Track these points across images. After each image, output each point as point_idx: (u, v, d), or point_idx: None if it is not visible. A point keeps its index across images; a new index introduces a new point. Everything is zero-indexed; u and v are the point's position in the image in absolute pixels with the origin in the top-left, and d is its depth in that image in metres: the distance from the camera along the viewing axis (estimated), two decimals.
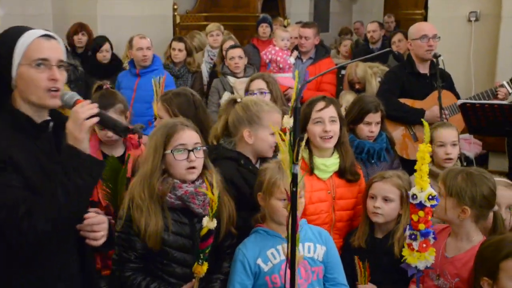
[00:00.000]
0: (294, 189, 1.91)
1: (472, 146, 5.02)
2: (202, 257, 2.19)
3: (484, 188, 2.35)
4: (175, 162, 2.36)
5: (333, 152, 2.87)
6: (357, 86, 5.19)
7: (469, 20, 5.38)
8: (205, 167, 2.46)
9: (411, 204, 2.19)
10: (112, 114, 3.01)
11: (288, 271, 2.16)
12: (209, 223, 2.15)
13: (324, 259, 2.50)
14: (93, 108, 1.84)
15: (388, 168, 3.24)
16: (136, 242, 2.34)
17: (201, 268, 2.21)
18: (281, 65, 5.45)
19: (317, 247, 2.49)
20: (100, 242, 1.94)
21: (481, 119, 3.66)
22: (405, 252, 2.25)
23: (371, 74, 5.06)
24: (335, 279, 2.53)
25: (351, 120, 3.33)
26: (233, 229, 2.52)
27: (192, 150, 2.37)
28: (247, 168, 2.74)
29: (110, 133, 3.01)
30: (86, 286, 2.03)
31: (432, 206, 2.17)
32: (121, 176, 2.87)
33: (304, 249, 2.43)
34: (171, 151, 2.36)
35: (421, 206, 2.16)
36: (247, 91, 3.75)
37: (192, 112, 3.06)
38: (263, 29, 6.66)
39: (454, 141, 3.25)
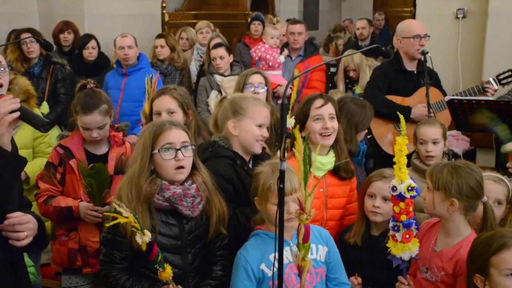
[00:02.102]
0: (281, 185, 1.91)
1: (460, 143, 5.04)
2: (158, 266, 2.16)
3: (470, 179, 2.36)
4: (163, 162, 2.34)
5: (329, 151, 2.87)
6: (351, 74, 5.24)
7: (457, 17, 5.40)
8: (194, 167, 2.44)
9: (392, 196, 2.23)
10: (97, 116, 2.99)
11: (295, 278, 2.18)
12: (142, 238, 2.10)
13: (326, 260, 2.48)
14: (15, 103, 1.83)
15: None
16: (122, 243, 2.31)
17: (165, 273, 2.17)
18: (270, 63, 5.44)
19: (319, 248, 2.46)
20: (24, 242, 1.88)
21: (468, 115, 3.68)
22: (390, 243, 2.27)
23: (366, 64, 5.12)
24: (337, 279, 2.51)
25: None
26: (223, 230, 2.50)
27: (180, 149, 2.35)
28: (243, 169, 2.73)
29: (94, 134, 3.00)
30: (16, 281, 2.00)
31: (412, 197, 2.20)
32: (103, 174, 2.86)
33: None
34: (159, 150, 2.34)
35: (401, 197, 2.20)
36: (245, 84, 3.73)
37: (194, 107, 3.13)
38: (255, 27, 6.66)
39: (436, 139, 3.27)
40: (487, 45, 5.17)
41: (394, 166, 2.21)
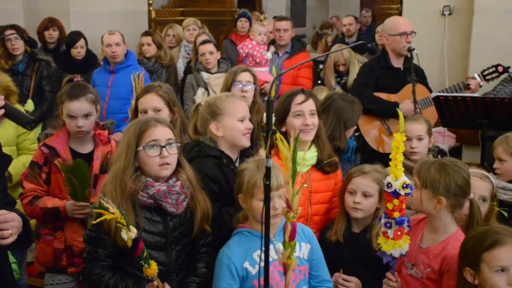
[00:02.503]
0: (268, 182, 1.91)
1: (446, 139, 5.08)
2: (144, 262, 2.15)
3: (458, 177, 2.38)
4: (147, 159, 2.33)
5: (310, 146, 2.88)
6: (341, 68, 5.25)
7: (443, 14, 5.42)
8: (179, 164, 2.43)
9: (386, 192, 2.22)
10: (83, 102, 2.97)
11: (278, 275, 2.17)
12: (128, 234, 2.09)
13: (309, 257, 2.48)
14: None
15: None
16: (106, 240, 2.29)
17: (150, 269, 2.17)
18: (257, 60, 5.44)
19: (302, 245, 2.46)
20: (9, 240, 1.87)
21: (454, 111, 3.72)
22: (380, 240, 2.27)
23: (355, 57, 5.16)
24: (320, 276, 2.52)
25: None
26: (207, 227, 2.49)
27: (165, 146, 2.34)
28: (229, 168, 2.73)
29: (80, 122, 2.96)
30: (1, 279, 2.00)
31: (406, 194, 2.20)
32: (82, 169, 2.84)
33: None
34: (143, 147, 2.33)
35: (395, 194, 2.19)
36: (233, 81, 3.71)
37: (179, 105, 3.12)
38: (242, 24, 6.64)
39: (420, 135, 3.28)
40: (472, 42, 5.21)
41: (390, 163, 2.20)
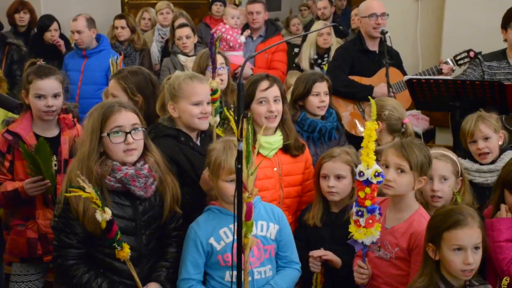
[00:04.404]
0: (239, 166, 1.92)
1: (420, 122, 5.14)
2: (117, 244, 2.16)
3: (428, 155, 2.46)
4: (112, 145, 2.30)
5: (275, 130, 2.88)
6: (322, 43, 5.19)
7: None
8: (146, 148, 2.41)
9: (357, 181, 2.23)
10: (53, 81, 2.93)
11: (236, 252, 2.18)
12: (102, 215, 2.09)
13: (276, 238, 2.51)
14: None
15: (336, 145, 3.27)
16: (76, 226, 2.27)
17: (123, 252, 2.17)
18: (231, 44, 5.41)
19: (270, 225, 2.49)
20: None
21: (427, 94, 3.76)
22: (352, 228, 2.28)
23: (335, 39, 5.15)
24: (288, 257, 2.55)
25: (300, 95, 3.32)
26: (178, 209, 2.49)
27: (130, 132, 2.32)
28: (187, 145, 2.72)
29: (50, 101, 2.91)
30: None
31: (378, 182, 2.21)
32: (45, 148, 2.79)
33: (257, 228, 2.43)
34: (108, 134, 2.30)
35: (367, 183, 2.20)
36: (208, 66, 3.64)
37: (150, 91, 3.01)
38: (217, 8, 6.58)
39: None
40: (445, 26, 5.26)
41: (361, 151, 2.21)
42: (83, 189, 2.07)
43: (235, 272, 2.07)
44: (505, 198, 2.47)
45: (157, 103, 2.88)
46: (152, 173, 2.38)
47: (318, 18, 7.57)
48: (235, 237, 2.03)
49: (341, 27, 5.58)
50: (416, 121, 5.04)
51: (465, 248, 2.11)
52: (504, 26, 3.97)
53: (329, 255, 2.65)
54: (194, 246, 2.41)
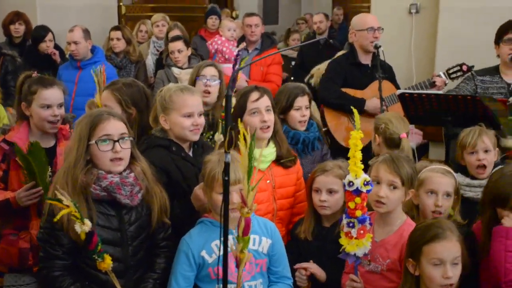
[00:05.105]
0: (226, 178, 1.91)
1: (414, 136, 5.12)
2: (97, 256, 2.15)
3: (414, 168, 2.48)
4: (99, 153, 2.30)
5: (268, 142, 2.88)
6: None
7: (410, 12, 5.51)
8: (133, 158, 2.41)
9: (347, 191, 2.22)
10: (58, 90, 2.94)
11: (234, 266, 2.17)
12: (82, 227, 2.09)
13: (269, 252, 2.50)
14: None
15: (319, 155, 3.29)
16: (62, 237, 2.26)
17: (104, 263, 2.16)
18: (226, 56, 5.42)
19: (262, 239, 2.49)
20: None
21: (419, 108, 3.76)
22: (343, 241, 2.27)
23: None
24: (279, 272, 2.54)
25: (281, 109, 3.32)
26: (166, 220, 2.48)
27: (118, 141, 2.32)
28: (179, 155, 2.71)
29: (57, 111, 2.90)
30: None
31: (367, 191, 2.21)
32: (39, 152, 2.77)
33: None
34: (96, 141, 2.30)
35: (357, 192, 2.20)
36: (197, 76, 3.68)
37: (144, 104, 3.01)
38: (213, 21, 6.64)
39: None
40: (438, 40, 5.29)
41: (349, 161, 2.21)
42: (61, 201, 2.05)
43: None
44: (499, 215, 2.41)
45: (150, 115, 2.88)
46: (138, 181, 2.37)
47: (314, 32, 7.64)
48: (221, 249, 2.02)
49: (331, 40, 5.63)
50: (410, 136, 5.04)
51: (444, 262, 2.11)
52: (497, 41, 3.99)
53: (313, 267, 2.63)
54: (185, 258, 2.40)
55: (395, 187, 2.42)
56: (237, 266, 2.14)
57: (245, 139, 1.97)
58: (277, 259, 2.52)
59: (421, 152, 5.33)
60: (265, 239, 2.48)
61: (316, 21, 7.37)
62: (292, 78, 5.63)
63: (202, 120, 2.78)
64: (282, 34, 9.18)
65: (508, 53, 3.87)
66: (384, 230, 2.48)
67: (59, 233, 2.25)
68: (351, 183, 2.19)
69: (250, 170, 1.97)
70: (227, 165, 1.91)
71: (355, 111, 2.30)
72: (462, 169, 3.07)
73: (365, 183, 2.19)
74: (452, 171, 2.74)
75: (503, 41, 3.92)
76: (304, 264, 2.65)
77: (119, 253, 2.32)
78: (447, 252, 2.11)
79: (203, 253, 2.40)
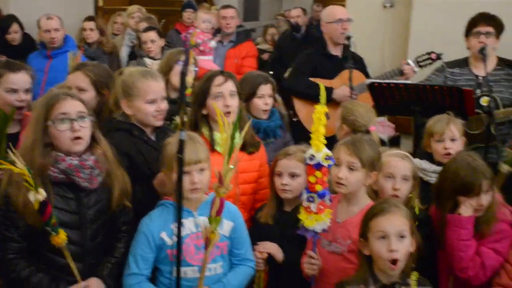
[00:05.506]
0: (180, 155, 1.90)
1: (386, 129, 5.15)
2: (51, 228, 2.12)
3: (378, 150, 2.50)
4: (58, 133, 2.27)
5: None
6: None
7: (384, 6, 5.55)
8: (94, 140, 2.38)
9: (308, 165, 2.22)
10: (25, 75, 2.90)
11: (194, 249, 2.17)
12: (35, 196, 2.05)
13: (231, 235, 2.49)
14: None
15: (282, 142, 3.30)
16: (17, 219, 2.21)
17: (58, 238, 2.13)
18: (201, 48, 5.39)
19: (224, 222, 2.47)
20: None
21: (388, 98, 3.78)
22: (302, 216, 2.27)
23: None
24: (242, 255, 2.54)
25: (244, 98, 3.28)
26: (127, 203, 2.46)
27: (76, 119, 2.28)
28: (141, 139, 2.69)
29: (22, 96, 2.84)
30: None
31: (328, 166, 2.21)
32: (3, 124, 2.70)
33: None
34: (53, 121, 2.26)
35: (318, 166, 2.20)
36: (178, 60, 3.63)
37: (111, 86, 2.96)
38: (188, 15, 6.60)
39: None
40: (411, 34, 5.33)
41: (311, 135, 2.20)
42: (14, 164, 2.00)
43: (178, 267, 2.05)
44: (459, 203, 2.45)
45: (110, 98, 2.85)
46: (98, 164, 2.34)
47: (292, 27, 7.62)
48: (176, 231, 2.02)
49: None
50: (382, 128, 5.06)
51: (388, 235, 2.12)
52: (467, 34, 4.02)
53: (272, 247, 2.63)
54: (145, 240, 2.38)
55: (354, 169, 2.42)
56: (206, 247, 2.13)
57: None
58: (239, 242, 2.52)
59: (393, 144, 5.35)
60: (226, 222, 2.47)
61: (293, 15, 7.36)
62: (271, 72, 5.61)
63: (165, 105, 2.75)
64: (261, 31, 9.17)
65: (476, 46, 3.91)
66: (347, 211, 2.49)
67: (14, 215, 2.21)
68: (312, 157, 2.20)
69: (231, 150, 1.95)
70: (181, 142, 1.90)
71: (321, 86, 2.27)
72: (428, 156, 3.09)
73: (326, 157, 2.19)
74: (409, 155, 2.75)
75: (472, 34, 3.96)
76: (262, 243, 2.64)
77: (77, 236, 2.29)
78: (391, 225, 2.12)
79: (163, 235, 2.39)
